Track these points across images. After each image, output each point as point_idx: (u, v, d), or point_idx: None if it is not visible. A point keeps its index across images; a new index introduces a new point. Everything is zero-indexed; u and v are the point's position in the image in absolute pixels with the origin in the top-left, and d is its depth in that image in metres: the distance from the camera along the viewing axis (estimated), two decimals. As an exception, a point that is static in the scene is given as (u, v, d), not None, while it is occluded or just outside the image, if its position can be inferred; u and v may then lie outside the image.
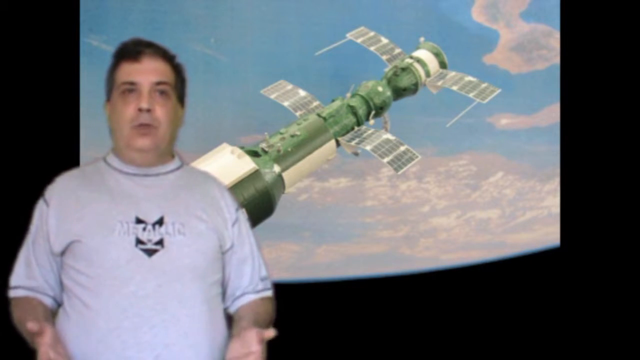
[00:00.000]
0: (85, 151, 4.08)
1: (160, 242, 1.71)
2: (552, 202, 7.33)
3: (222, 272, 1.84)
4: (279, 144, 4.97)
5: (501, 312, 5.78)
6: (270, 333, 1.67)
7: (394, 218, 7.32)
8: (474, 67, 6.89)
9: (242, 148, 4.80)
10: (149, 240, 1.71)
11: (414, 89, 5.86)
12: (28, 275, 1.78)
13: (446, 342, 5.68)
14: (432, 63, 5.97)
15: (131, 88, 1.73)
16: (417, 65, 5.84)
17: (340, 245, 7.04)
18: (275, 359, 1.90)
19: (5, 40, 3.54)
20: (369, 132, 5.45)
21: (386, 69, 5.85)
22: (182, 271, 1.72)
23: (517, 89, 7.32)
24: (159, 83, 1.74)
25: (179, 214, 1.75)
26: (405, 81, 5.77)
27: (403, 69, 5.78)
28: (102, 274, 1.68)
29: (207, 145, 4.83)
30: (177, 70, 1.81)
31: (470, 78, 5.87)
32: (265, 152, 4.87)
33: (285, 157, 4.94)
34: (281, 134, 5.09)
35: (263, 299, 1.88)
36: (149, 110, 1.72)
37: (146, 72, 1.74)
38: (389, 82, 5.75)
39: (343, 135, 5.36)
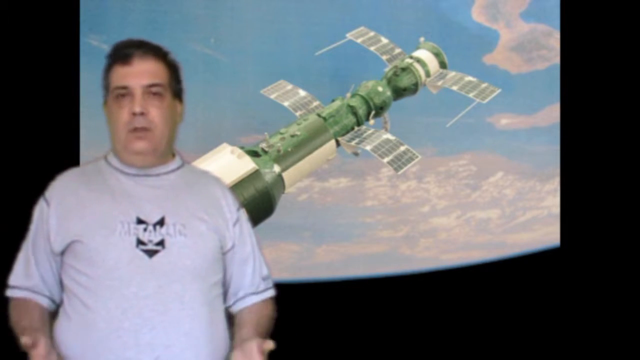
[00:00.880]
0: (85, 151, 4.08)
1: (161, 243, 1.71)
2: (552, 202, 7.34)
3: (224, 272, 1.84)
4: (279, 144, 4.97)
5: (501, 312, 5.77)
6: (270, 345, 1.67)
7: (394, 218, 7.32)
8: (474, 67, 6.89)
9: (242, 148, 4.80)
10: (150, 241, 1.71)
11: (414, 89, 5.86)
12: (26, 275, 1.78)
13: (446, 342, 5.68)
14: (432, 63, 5.97)
15: (124, 92, 1.73)
16: (417, 65, 5.84)
17: (340, 245, 7.04)
18: (275, 359, 1.90)
19: (5, 40, 3.54)
20: (369, 132, 5.45)
21: (386, 69, 5.85)
22: (182, 272, 1.71)
23: (517, 89, 7.32)
24: (151, 85, 1.73)
25: (180, 215, 1.75)
26: (405, 81, 5.77)
27: (403, 69, 5.78)
28: (102, 274, 1.68)
29: (207, 145, 4.83)
30: (171, 67, 1.80)
31: (470, 78, 5.87)
32: (265, 152, 4.87)
33: (285, 157, 4.94)
34: (281, 134, 5.09)
35: (265, 301, 1.88)
36: (142, 114, 1.72)
37: (137, 75, 1.73)
38: (389, 82, 5.75)
39: (343, 135, 5.36)
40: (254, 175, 4.66)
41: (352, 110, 5.43)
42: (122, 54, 1.75)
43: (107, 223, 1.71)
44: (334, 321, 5.63)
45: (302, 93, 5.64)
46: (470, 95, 5.69)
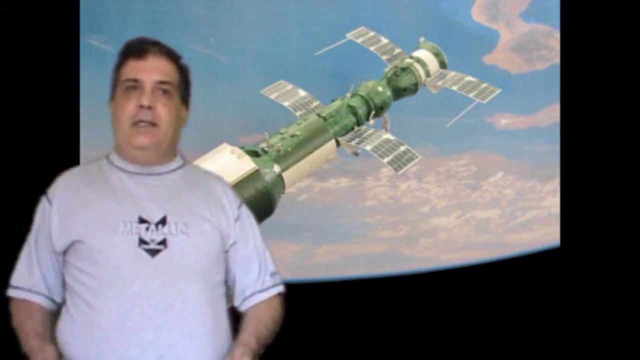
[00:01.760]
0: (85, 151, 4.08)
1: (163, 242, 1.71)
2: (552, 202, 7.34)
3: (227, 270, 1.84)
4: (279, 144, 4.97)
5: (501, 312, 5.77)
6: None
7: (394, 218, 7.32)
8: (474, 67, 6.89)
9: (242, 148, 4.80)
10: (152, 240, 1.71)
11: (414, 89, 5.87)
12: (28, 275, 1.78)
13: (446, 342, 5.68)
14: (432, 63, 5.98)
15: (134, 85, 1.73)
16: (417, 65, 5.85)
17: (340, 245, 7.04)
18: (275, 359, 1.91)
19: (5, 40, 3.54)
20: (369, 132, 5.45)
21: (386, 69, 5.85)
22: (185, 271, 1.72)
23: (517, 89, 7.32)
24: (162, 82, 1.74)
25: (182, 214, 1.75)
26: (405, 81, 5.78)
27: (403, 69, 5.78)
28: (105, 274, 1.68)
29: (207, 145, 4.83)
30: (182, 71, 1.81)
31: (470, 78, 5.87)
32: (265, 152, 4.87)
33: (285, 157, 4.95)
34: (281, 134, 5.09)
35: (270, 300, 1.87)
36: (150, 108, 1.72)
37: (150, 70, 1.73)
38: (389, 82, 5.75)
39: (343, 135, 5.36)
40: (254, 175, 4.66)
41: (352, 110, 5.44)
42: (137, 48, 1.75)
43: (109, 222, 1.71)
44: (334, 321, 5.63)
45: (302, 93, 5.64)
46: (470, 95, 5.69)
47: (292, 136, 5.07)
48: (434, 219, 7.43)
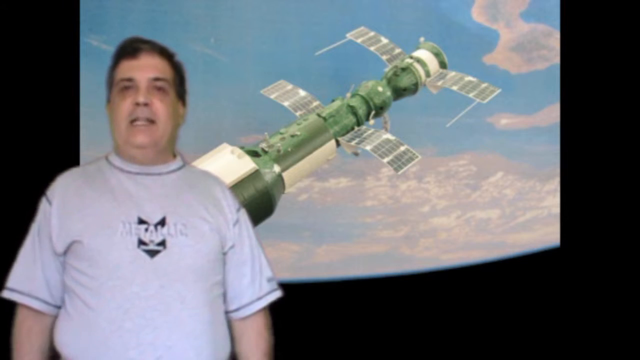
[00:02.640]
0: (85, 151, 4.08)
1: (162, 243, 1.71)
2: (552, 202, 7.34)
3: (223, 272, 1.84)
4: (279, 144, 4.97)
5: (501, 312, 5.77)
6: None
7: (394, 218, 7.32)
8: (474, 67, 6.90)
9: (242, 148, 4.80)
10: (151, 241, 1.70)
11: (414, 89, 5.87)
12: (27, 278, 1.77)
13: (446, 342, 5.68)
14: (432, 63, 5.98)
15: (129, 85, 1.73)
16: (417, 65, 5.85)
17: (340, 245, 7.04)
18: (275, 359, 1.90)
19: (5, 40, 3.54)
20: (369, 132, 5.45)
21: (386, 69, 5.85)
22: (184, 272, 1.71)
23: (517, 89, 7.33)
24: (156, 79, 1.74)
25: (181, 215, 1.75)
26: (405, 81, 5.78)
27: (403, 69, 5.78)
28: (104, 274, 1.68)
29: (207, 145, 4.84)
30: (176, 68, 1.80)
31: (470, 78, 5.87)
32: (265, 152, 4.87)
33: (285, 157, 4.95)
34: (281, 134, 5.09)
35: (265, 311, 1.88)
36: (146, 105, 1.72)
37: (143, 68, 1.73)
38: (389, 82, 5.75)
39: (343, 135, 5.36)
40: (254, 175, 4.66)
41: (352, 110, 5.44)
42: (129, 48, 1.76)
43: (108, 223, 1.70)
44: (334, 321, 5.63)
45: (302, 93, 5.64)
46: (470, 95, 5.69)
47: (292, 136, 5.07)
48: (434, 219, 7.44)
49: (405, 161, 5.29)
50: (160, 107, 1.73)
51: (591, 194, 3.33)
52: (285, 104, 5.56)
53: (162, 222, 1.73)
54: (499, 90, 5.76)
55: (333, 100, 5.57)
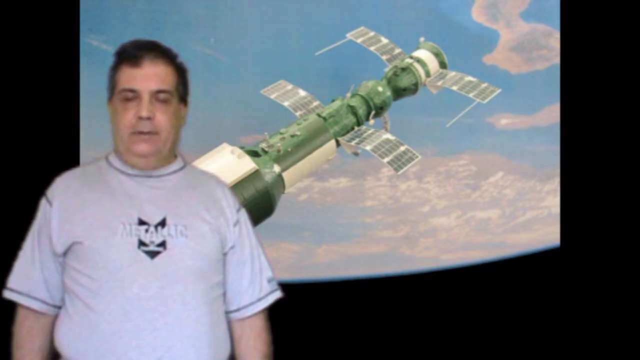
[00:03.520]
0: (85, 151, 4.08)
1: (162, 244, 1.71)
2: (552, 202, 7.35)
3: (223, 273, 1.84)
4: (279, 144, 4.97)
5: (501, 312, 5.77)
6: None
7: (394, 218, 7.32)
8: (474, 67, 6.90)
9: (242, 148, 4.80)
10: (152, 242, 1.70)
11: (414, 89, 5.87)
12: (26, 278, 1.77)
13: (446, 342, 5.68)
14: (432, 63, 5.98)
15: (131, 96, 1.72)
16: (417, 65, 5.85)
17: (340, 245, 7.04)
18: (275, 359, 1.90)
19: (5, 40, 3.54)
20: (369, 132, 5.45)
21: (386, 69, 5.85)
22: (184, 273, 1.71)
23: (517, 89, 7.33)
24: (159, 91, 1.72)
25: (181, 216, 1.75)
26: (405, 81, 5.78)
27: (403, 69, 5.78)
28: (104, 275, 1.67)
29: (207, 145, 4.84)
30: (180, 71, 1.79)
31: (470, 78, 5.87)
32: (265, 152, 4.87)
33: (285, 157, 4.95)
34: (281, 134, 5.09)
35: (264, 314, 1.88)
36: (149, 118, 1.71)
37: (146, 79, 1.72)
38: (389, 82, 5.75)
39: (343, 135, 5.36)
40: (254, 175, 4.66)
41: (352, 110, 5.44)
42: (131, 55, 1.73)
43: (108, 224, 1.70)
44: (334, 321, 5.63)
45: (302, 93, 5.64)
46: (470, 95, 5.70)
47: (292, 136, 5.07)
48: (434, 219, 7.44)
49: (405, 161, 5.29)
50: (162, 119, 1.72)
51: (591, 194, 3.33)
52: (285, 104, 5.56)
53: (163, 223, 1.72)
54: (499, 90, 5.77)
55: (333, 100, 5.57)
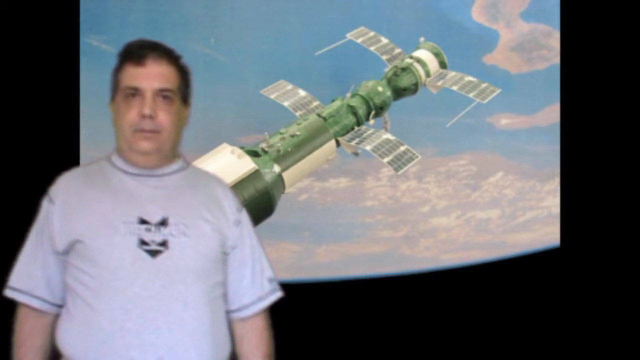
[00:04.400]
0: (85, 151, 4.08)
1: (163, 244, 1.71)
2: (552, 202, 7.35)
3: (224, 272, 1.84)
4: (279, 144, 4.97)
5: (501, 312, 5.78)
6: None
7: (394, 218, 7.33)
8: (474, 67, 6.90)
9: (242, 148, 4.81)
10: (153, 241, 1.71)
11: (414, 89, 5.87)
12: (28, 276, 1.77)
13: (446, 342, 5.69)
14: (432, 63, 5.98)
15: (134, 93, 1.73)
16: (417, 65, 5.85)
17: (340, 245, 7.05)
18: (276, 358, 1.91)
19: (5, 40, 3.54)
20: (369, 132, 5.46)
21: (386, 69, 5.85)
22: (185, 272, 1.71)
23: (517, 89, 7.33)
24: (162, 90, 1.73)
25: (182, 215, 1.75)
26: (405, 81, 5.78)
27: (403, 69, 5.78)
28: (105, 274, 1.68)
29: (207, 145, 4.84)
30: (182, 72, 1.80)
31: (470, 78, 5.87)
32: (265, 152, 4.88)
33: (285, 157, 4.95)
34: (281, 134, 5.10)
35: (265, 313, 1.88)
36: (151, 117, 1.71)
37: (150, 78, 1.73)
38: (389, 82, 5.75)
39: (343, 135, 5.36)
40: (254, 175, 4.66)
41: (352, 110, 5.44)
42: (135, 54, 1.74)
43: (109, 223, 1.70)
44: (334, 321, 5.63)
45: (302, 93, 5.65)
46: (470, 95, 5.70)
47: (292, 136, 5.07)
48: (434, 219, 7.44)
49: (405, 161, 5.29)
50: (165, 118, 1.73)
51: (591, 194, 3.33)
52: (285, 104, 5.56)
53: (164, 223, 1.73)
54: (499, 90, 5.77)
55: (333, 100, 5.57)
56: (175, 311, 1.69)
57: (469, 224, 7.51)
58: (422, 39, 6.19)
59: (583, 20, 3.39)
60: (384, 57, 5.92)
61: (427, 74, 5.94)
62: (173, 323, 1.68)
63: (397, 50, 6.00)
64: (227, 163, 4.66)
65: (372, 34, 6.04)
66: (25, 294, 1.77)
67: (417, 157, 5.37)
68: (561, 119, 3.60)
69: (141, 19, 6.19)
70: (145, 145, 1.73)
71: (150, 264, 1.69)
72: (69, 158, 3.55)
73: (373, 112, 5.54)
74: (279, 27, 6.74)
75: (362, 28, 6.08)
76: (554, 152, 4.31)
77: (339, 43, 5.98)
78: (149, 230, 1.71)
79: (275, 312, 1.94)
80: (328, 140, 5.25)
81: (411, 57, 5.95)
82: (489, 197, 7.48)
